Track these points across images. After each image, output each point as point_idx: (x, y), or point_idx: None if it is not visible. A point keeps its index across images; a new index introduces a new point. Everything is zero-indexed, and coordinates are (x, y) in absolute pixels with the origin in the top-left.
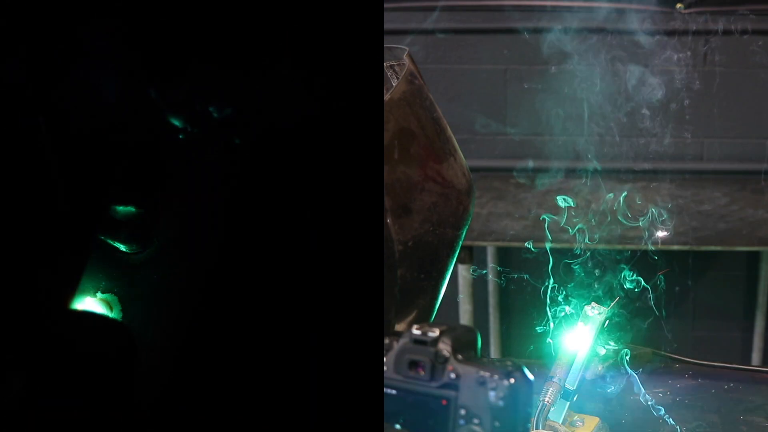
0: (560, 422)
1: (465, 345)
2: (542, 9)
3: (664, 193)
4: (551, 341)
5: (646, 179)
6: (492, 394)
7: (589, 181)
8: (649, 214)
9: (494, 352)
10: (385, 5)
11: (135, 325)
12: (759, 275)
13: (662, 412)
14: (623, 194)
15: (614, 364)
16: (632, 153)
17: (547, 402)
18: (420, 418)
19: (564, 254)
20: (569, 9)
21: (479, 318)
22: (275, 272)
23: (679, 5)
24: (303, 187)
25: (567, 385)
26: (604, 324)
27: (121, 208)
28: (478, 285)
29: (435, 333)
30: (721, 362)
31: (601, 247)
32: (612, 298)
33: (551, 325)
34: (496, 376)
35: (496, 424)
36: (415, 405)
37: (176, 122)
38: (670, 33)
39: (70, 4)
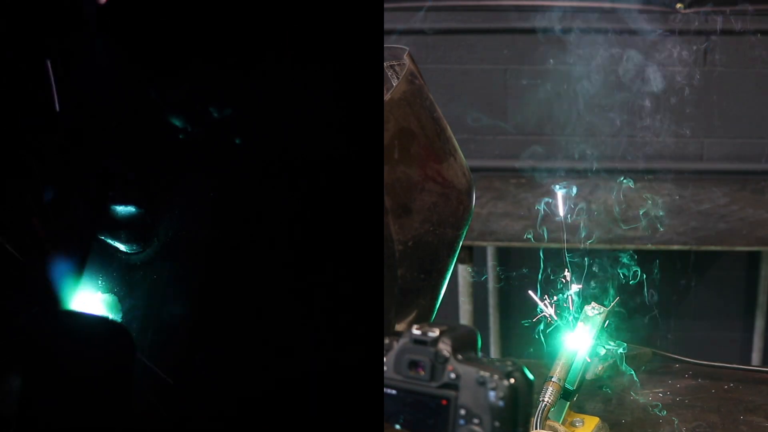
0: (560, 422)
1: (465, 345)
2: (542, 9)
3: (664, 193)
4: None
5: (646, 179)
6: (492, 394)
7: (589, 180)
8: (649, 214)
9: (494, 352)
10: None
11: (135, 326)
12: (759, 275)
13: (662, 412)
14: (623, 194)
15: (614, 364)
16: (632, 153)
17: (547, 402)
18: (420, 418)
19: (564, 254)
20: (569, 9)
21: (479, 318)
22: (275, 271)
23: (679, 5)
24: (303, 187)
25: (567, 385)
26: (604, 324)
27: (121, 208)
28: (478, 285)
29: (435, 333)
30: (721, 362)
31: (600, 246)
32: (612, 298)
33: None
34: (496, 376)
35: (496, 424)
36: (415, 405)
37: (176, 122)
38: (670, 32)
39: (72, 4)
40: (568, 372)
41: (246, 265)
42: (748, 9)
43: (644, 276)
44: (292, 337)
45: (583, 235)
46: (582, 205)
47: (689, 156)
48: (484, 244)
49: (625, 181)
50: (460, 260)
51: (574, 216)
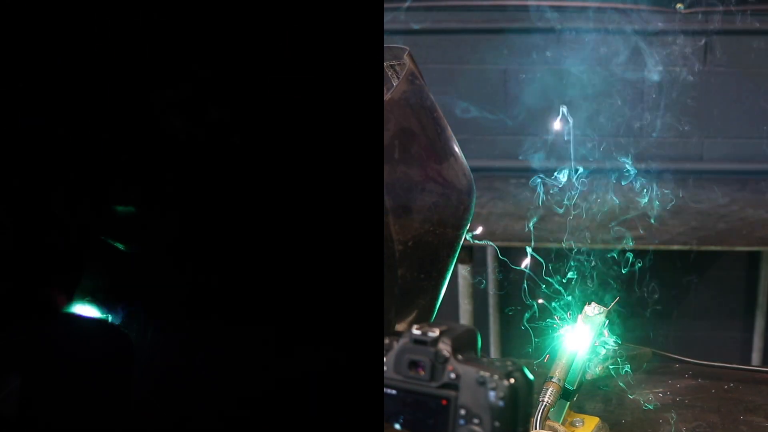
0: (560, 422)
1: (465, 345)
2: (542, 9)
3: (664, 193)
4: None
5: (646, 179)
6: (492, 394)
7: (589, 180)
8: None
9: (494, 352)
10: (385, 5)
11: (133, 327)
12: (759, 275)
13: (662, 412)
14: (623, 194)
15: (614, 363)
16: (632, 152)
17: (547, 402)
18: (420, 418)
19: (563, 254)
20: (569, 9)
21: (479, 318)
22: (275, 271)
23: (679, 5)
24: (303, 187)
25: (567, 385)
26: (604, 324)
27: (121, 208)
28: (478, 285)
29: (435, 333)
30: (721, 362)
31: (600, 246)
32: (612, 298)
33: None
34: (496, 376)
35: (496, 424)
36: (415, 405)
37: (176, 122)
38: (670, 33)
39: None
40: (567, 372)
41: (246, 264)
42: (748, 9)
43: (644, 276)
44: (293, 337)
45: (583, 234)
46: (582, 204)
47: (689, 156)
48: (484, 244)
49: (624, 181)
50: (460, 260)
51: (574, 216)
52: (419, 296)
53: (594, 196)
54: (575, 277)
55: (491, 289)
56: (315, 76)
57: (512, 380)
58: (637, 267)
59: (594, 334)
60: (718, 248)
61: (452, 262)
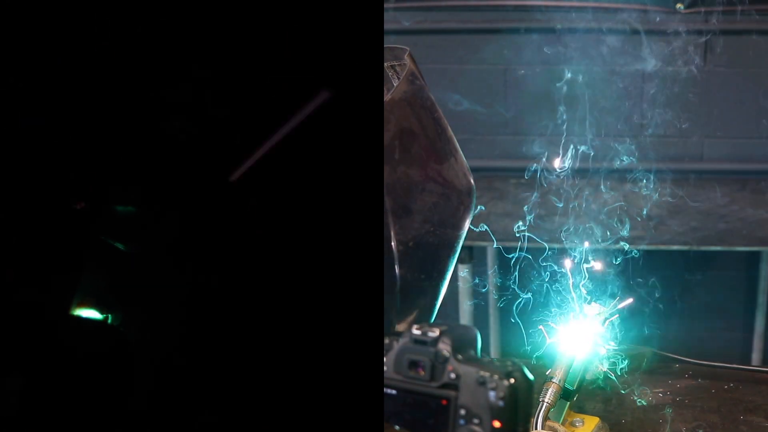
0: (560, 422)
1: (465, 345)
2: (542, 9)
3: (664, 193)
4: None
5: (646, 179)
6: (492, 394)
7: (589, 180)
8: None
9: (494, 352)
10: (386, 5)
11: (133, 328)
12: (759, 275)
13: (662, 412)
14: (623, 194)
15: (613, 364)
16: (632, 152)
17: (548, 402)
18: (420, 418)
19: (563, 253)
20: (569, 9)
21: (479, 318)
22: (275, 272)
23: (679, 5)
24: (303, 187)
25: (567, 386)
26: (604, 324)
27: (121, 208)
28: (478, 285)
29: (435, 333)
30: (721, 362)
31: (600, 246)
32: (612, 298)
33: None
34: (496, 376)
35: (496, 424)
36: (415, 405)
37: (176, 122)
38: (670, 33)
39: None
40: (567, 372)
41: (246, 264)
42: (748, 9)
43: (644, 276)
44: (293, 337)
45: (582, 234)
46: (582, 204)
47: (689, 156)
48: (484, 244)
49: (625, 180)
50: (460, 260)
51: (574, 215)
52: (419, 296)
53: (594, 196)
54: (575, 276)
55: (491, 289)
56: (315, 76)
57: (512, 380)
58: (637, 267)
59: (594, 334)
60: (718, 248)
61: (452, 262)
